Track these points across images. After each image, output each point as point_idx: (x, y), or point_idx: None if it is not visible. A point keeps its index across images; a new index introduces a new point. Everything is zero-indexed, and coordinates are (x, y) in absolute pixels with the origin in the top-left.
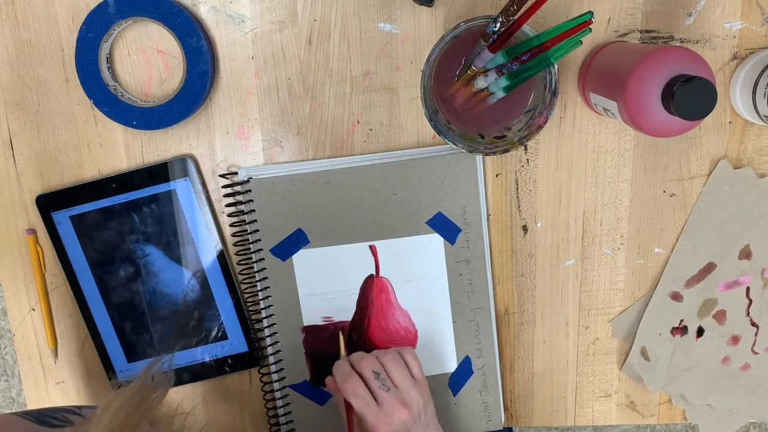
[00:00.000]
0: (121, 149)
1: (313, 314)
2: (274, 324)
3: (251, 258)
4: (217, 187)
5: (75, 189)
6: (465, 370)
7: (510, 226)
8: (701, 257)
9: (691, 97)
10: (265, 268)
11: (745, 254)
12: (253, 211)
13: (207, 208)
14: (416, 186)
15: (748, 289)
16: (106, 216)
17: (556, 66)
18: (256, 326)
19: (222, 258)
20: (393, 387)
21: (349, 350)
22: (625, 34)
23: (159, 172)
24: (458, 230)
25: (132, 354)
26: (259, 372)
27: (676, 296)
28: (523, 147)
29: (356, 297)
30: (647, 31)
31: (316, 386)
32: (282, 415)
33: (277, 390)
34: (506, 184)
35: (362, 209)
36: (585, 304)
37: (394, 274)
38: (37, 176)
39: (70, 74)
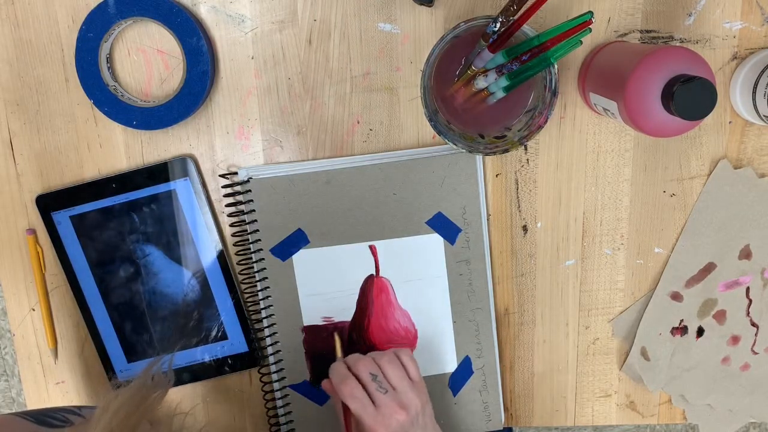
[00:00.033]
0: (121, 149)
1: (313, 314)
2: (274, 324)
3: (251, 258)
4: (217, 187)
5: (75, 189)
6: (465, 370)
7: (510, 226)
8: (701, 257)
9: (691, 97)
10: (265, 268)
11: (745, 254)
12: (253, 211)
13: (207, 208)
14: (416, 186)
15: (748, 289)
16: (106, 216)
17: (556, 66)
18: (256, 326)
19: (222, 258)
20: (390, 389)
21: (349, 351)
22: (625, 34)
23: (159, 172)
24: (458, 230)
25: (132, 354)
26: (259, 372)
27: (676, 296)
28: (523, 147)
29: (356, 297)
30: (647, 31)
31: (316, 386)
32: (282, 415)
33: (277, 390)
34: (506, 184)
35: (362, 209)
36: (585, 304)
37: (394, 274)
38: (37, 176)
39: (70, 74)
